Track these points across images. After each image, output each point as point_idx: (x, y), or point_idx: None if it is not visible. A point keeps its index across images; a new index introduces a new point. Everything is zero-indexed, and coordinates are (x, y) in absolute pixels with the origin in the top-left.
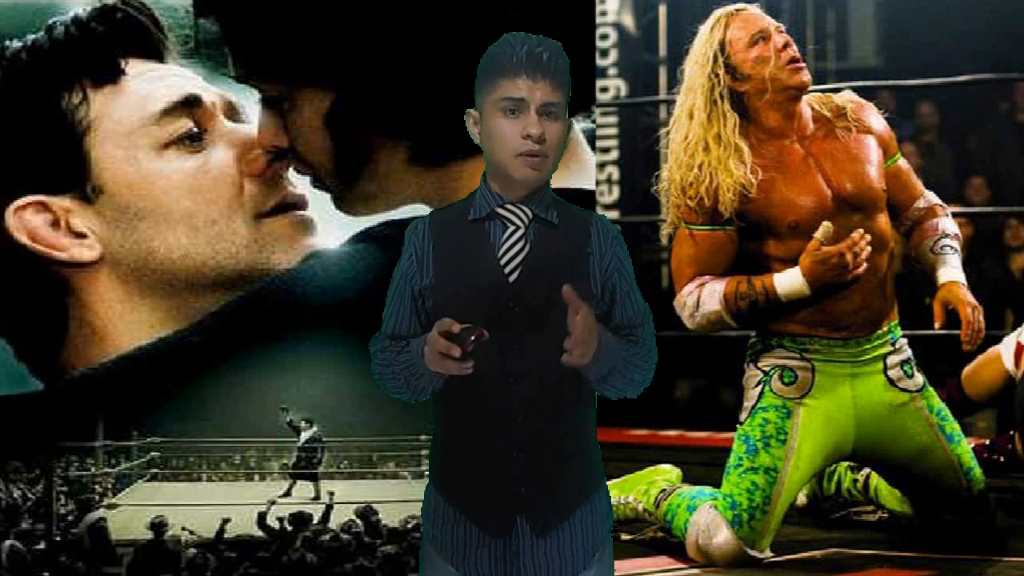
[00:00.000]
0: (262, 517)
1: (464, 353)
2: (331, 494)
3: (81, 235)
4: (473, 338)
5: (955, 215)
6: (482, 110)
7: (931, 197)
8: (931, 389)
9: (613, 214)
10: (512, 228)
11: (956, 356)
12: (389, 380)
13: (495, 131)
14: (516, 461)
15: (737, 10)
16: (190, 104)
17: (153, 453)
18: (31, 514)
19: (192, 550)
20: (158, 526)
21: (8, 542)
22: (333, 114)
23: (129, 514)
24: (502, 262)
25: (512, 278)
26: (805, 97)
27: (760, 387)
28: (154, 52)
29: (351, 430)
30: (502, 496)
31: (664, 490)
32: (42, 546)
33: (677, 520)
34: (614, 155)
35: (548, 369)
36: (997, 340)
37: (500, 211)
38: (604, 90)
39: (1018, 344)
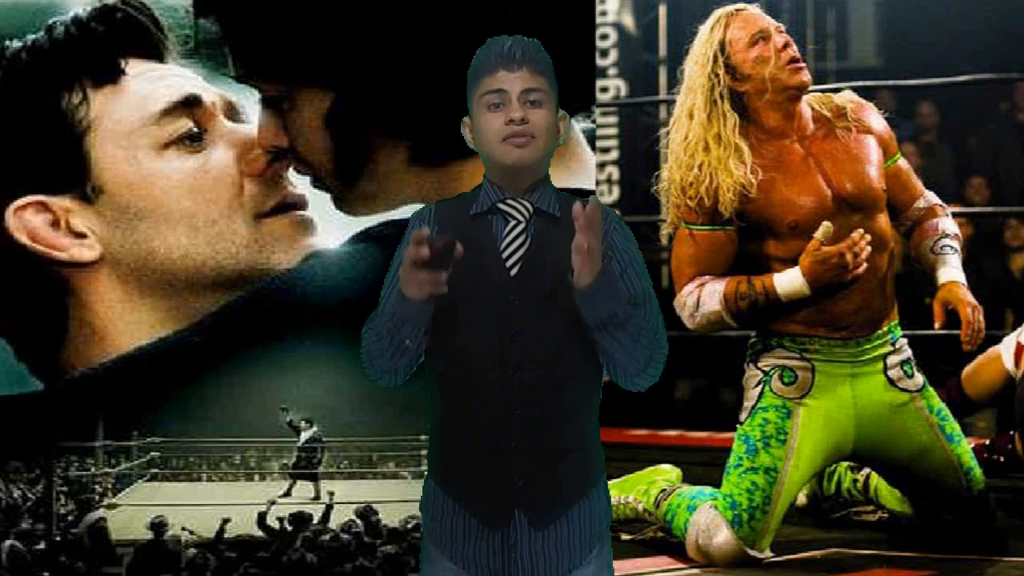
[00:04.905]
0: (262, 517)
1: (435, 260)
2: (331, 494)
3: (81, 235)
4: (443, 244)
5: (955, 215)
6: (472, 113)
7: (931, 197)
8: (931, 389)
9: None
10: (514, 222)
11: (956, 356)
12: (374, 345)
13: (483, 126)
14: (514, 453)
15: (737, 10)
16: (190, 104)
17: (153, 453)
18: (31, 514)
19: (192, 550)
20: (158, 526)
21: (8, 542)
22: (333, 114)
23: (129, 514)
24: (503, 256)
25: (513, 272)
26: (805, 97)
27: (760, 387)
28: (154, 52)
29: (351, 430)
30: (500, 488)
31: (664, 490)
32: (42, 546)
33: (677, 520)
34: (614, 155)
35: (548, 362)
36: (997, 340)
37: (501, 206)
38: (604, 90)
39: (1018, 344)
